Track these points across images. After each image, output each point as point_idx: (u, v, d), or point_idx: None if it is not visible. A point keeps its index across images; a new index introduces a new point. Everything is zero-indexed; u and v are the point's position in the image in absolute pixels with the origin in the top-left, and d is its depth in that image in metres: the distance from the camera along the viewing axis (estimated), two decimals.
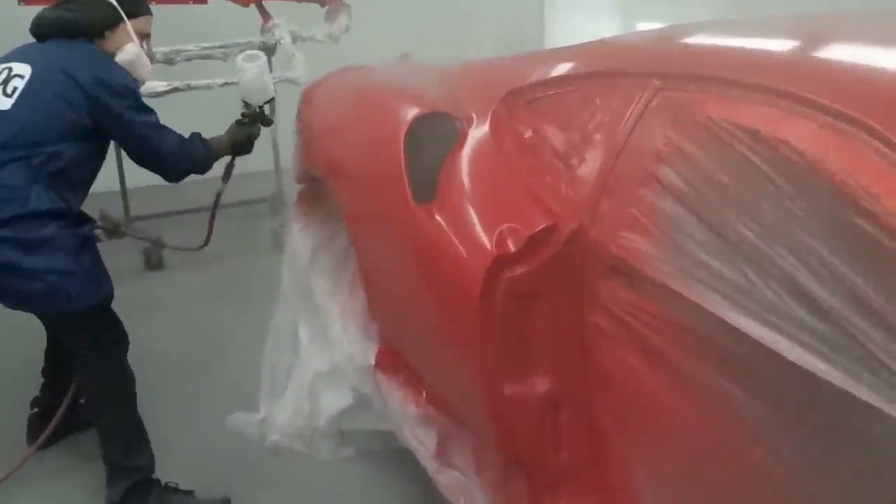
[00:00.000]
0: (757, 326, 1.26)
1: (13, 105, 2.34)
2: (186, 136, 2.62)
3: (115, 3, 2.53)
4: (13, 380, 3.10)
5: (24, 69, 2.40)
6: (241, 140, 2.81)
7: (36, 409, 2.84)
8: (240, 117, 2.83)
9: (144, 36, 2.65)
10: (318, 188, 2.86)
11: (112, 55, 2.52)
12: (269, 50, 4.66)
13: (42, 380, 2.84)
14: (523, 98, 2.02)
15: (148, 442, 2.53)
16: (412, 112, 2.19)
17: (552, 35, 6.22)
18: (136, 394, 2.53)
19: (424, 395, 2.17)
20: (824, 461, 1.20)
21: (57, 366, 2.78)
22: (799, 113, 1.32)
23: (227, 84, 4.23)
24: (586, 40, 2.20)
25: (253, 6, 4.77)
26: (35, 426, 2.80)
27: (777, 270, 1.25)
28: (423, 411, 2.17)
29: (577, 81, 1.90)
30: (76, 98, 2.34)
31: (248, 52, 2.86)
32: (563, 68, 2.01)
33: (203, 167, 2.67)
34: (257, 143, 4.69)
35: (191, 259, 4.24)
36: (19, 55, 2.46)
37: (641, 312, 1.50)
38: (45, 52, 2.46)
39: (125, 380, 2.52)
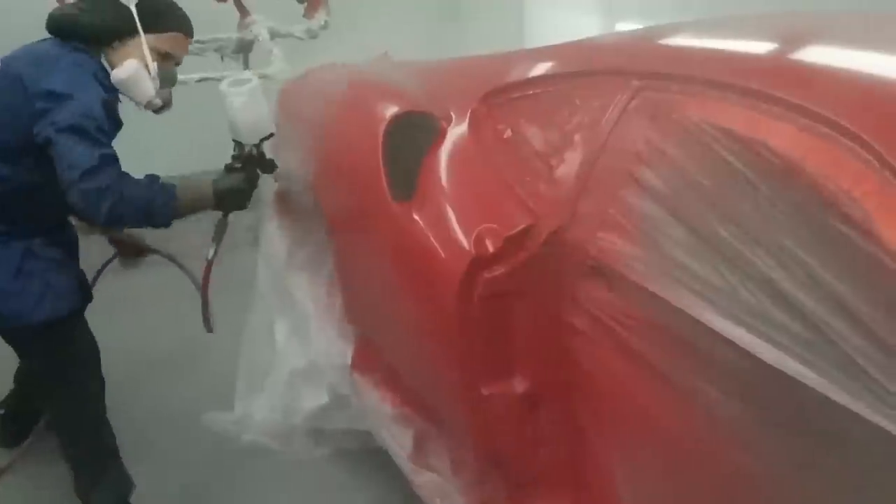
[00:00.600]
0: (734, 328, 1.27)
1: None
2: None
3: (133, 9, 2.20)
4: None
5: None
6: (227, 190, 2.26)
7: (3, 411, 2.79)
8: (229, 161, 2.33)
9: (164, 56, 2.27)
10: (295, 185, 2.85)
11: (111, 67, 2.20)
12: (247, 46, 4.63)
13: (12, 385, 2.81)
14: (503, 97, 2.02)
15: (117, 469, 2.40)
16: (391, 110, 2.19)
17: (531, 34, 6.21)
18: (103, 417, 2.40)
19: (401, 395, 2.17)
20: (800, 462, 1.20)
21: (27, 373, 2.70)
22: (778, 115, 1.32)
23: (203, 80, 4.19)
24: (565, 39, 2.20)
25: (230, 1, 4.73)
26: (6, 427, 2.77)
27: (755, 272, 1.26)
28: (399, 412, 2.17)
29: (557, 81, 1.91)
30: (23, 111, 2.05)
31: (235, 76, 2.37)
32: (543, 68, 2.02)
33: (150, 217, 2.11)
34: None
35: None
36: (10, 55, 2.22)
37: (620, 313, 1.51)
38: (24, 52, 2.21)
39: (86, 404, 2.36)
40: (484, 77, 2.15)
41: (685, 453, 1.41)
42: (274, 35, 4.69)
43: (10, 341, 2.34)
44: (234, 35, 4.63)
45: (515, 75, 2.06)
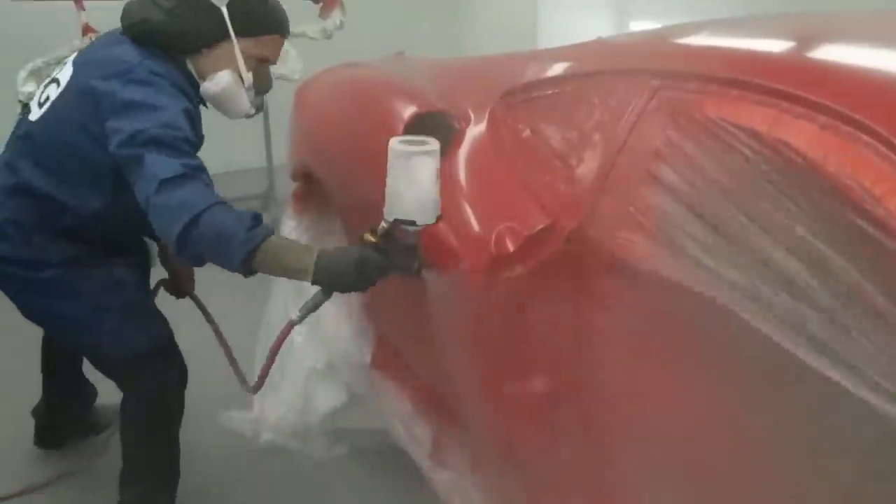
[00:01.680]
0: (756, 324, 1.27)
1: (37, 120, 2.02)
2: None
3: (225, 12, 1.97)
4: (14, 382, 3.07)
5: (65, 73, 2.01)
6: (332, 271, 1.72)
7: (41, 415, 2.78)
8: (368, 235, 1.76)
9: (262, 60, 2.09)
10: (312, 185, 2.86)
11: (202, 78, 2.02)
12: None
13: (43, 378, 2.80)
14: (521, 96, 2.03)
15: (170, 492, 2.35)
16: (409, 110, 2.20)
17: (545, 33, 6.22)
18: (176, 440, 2.37)
19: (420, 394, 2.18)
20: (824, 459, 1.21)
21: (56, 362, 2.70)
22: (799, 114, 1.33)
23: None
24: (579, 38, 2.21)
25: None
26: (43, 430, 2.78)
27: (777, 270, 1.26)
28: (418, 410, 2.18)
29: (576, 80, 1.91)
30: (92, 128, 1.89)
31: (410, 136, 1.81)
32: (561, 67, 2.02)
33: (224, 253, 1.71)
34: (250, 140, 4.46)
35: None
36: (86, 50, 2.08)
37: (640, 311, 1.52)
38: (98, 54, 2.02)
39: (163, 428, 2.33)
40: (502, 76, 2.16)
41: (707, 451, 1.42)
42: (289, 35, 4.70)
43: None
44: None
45: (534, 75, 2.06)
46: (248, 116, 2.16)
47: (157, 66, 1.92)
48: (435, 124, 2.13)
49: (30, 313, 2.19)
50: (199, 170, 1.80)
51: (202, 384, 3.07)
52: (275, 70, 4.57)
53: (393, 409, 2.26)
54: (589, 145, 1.74)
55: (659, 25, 5.35)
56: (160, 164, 1.74)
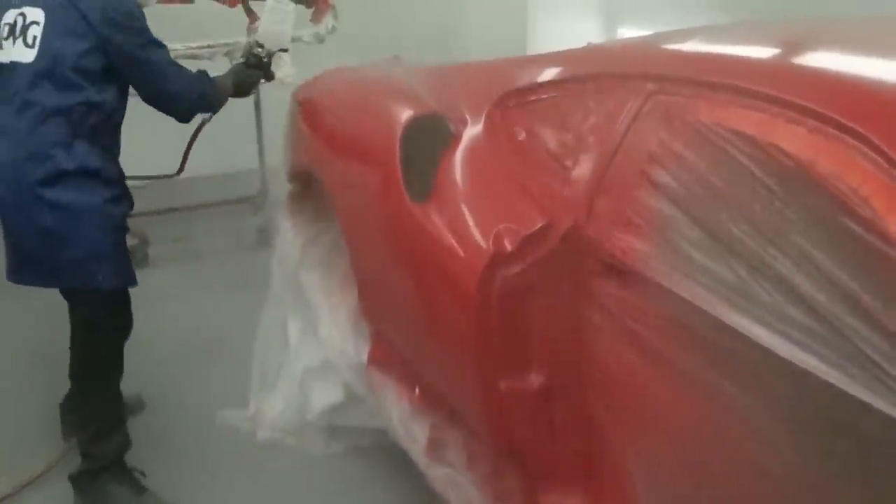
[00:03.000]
0: (748, 323, 1.30)
1: (36, 56, 2.28)
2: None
3: None
4: (42, 372, 3.09)
5: (36, 14, 2.31)
6: (243, 79, 2.75)
7: (68, 407, 2.83)
8: (245, 59, 2.79)
9: None
10: (308, 187, 2.88)
11: None
12: None
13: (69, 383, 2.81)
14: (517, 100, 2.05)
15: (118, 432, 2.52)
16: (407, 113, 2.23)
17: (534, 39, 6.25)
18: (118, 386, 2.55)
19: (417, 390, 2.19)
20: (815, 455, 1.24)
21: None
22: (789, 118, 1.36)
23: None
24: (568, 44, 2.24)
25: (239, 6, 4.76)
26: (66, 417, 2.81)
27: (768, 269, 1.29)
28: (415, 407, 2.19)
29: (571, 85, 1.94)
30: (89, 36, 2.28)
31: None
32: (556, 72, 2.05)
33: (210, 106, 2.64)
34: (242, 141, 4.68)
35: (177, 255, 4.25)
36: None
37: (635, 309, 1.54)
38: None
39: (113, 369, 2.53)
40: (498, 81, 2.18)
41: (699, 445, 1.44)
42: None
43: (75, 297, 2.49)
44: (244, 39, 4.66)
45: (529, 79, 2.08)
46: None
47: None
48: (432, 127, 2.16)
49: (42, 231, 2.32)
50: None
51: (199, 383, 3.10)
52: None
53: (390, 406, 2.26)
54: (584, 147, 1.77)
55: (647, 31, 5.38)
56: (162, 56, 2.43)
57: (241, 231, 4.76)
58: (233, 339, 2.95)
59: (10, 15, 2.34)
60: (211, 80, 2.58)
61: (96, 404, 2.52)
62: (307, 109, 2.89)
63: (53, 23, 2.29)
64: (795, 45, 1.72)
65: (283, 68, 4.66)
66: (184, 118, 2.57)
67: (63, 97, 2.28)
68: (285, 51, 2.82)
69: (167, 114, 2.52)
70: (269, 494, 2.58)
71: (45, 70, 2.27)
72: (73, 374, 2.57)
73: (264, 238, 4.39)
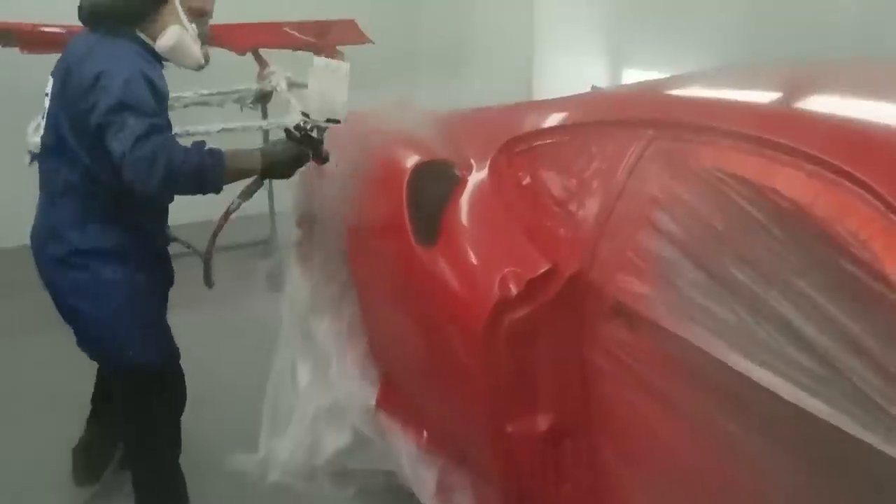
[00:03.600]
0: (750, 365, 1.31)
1: (45, 128, 2.27)
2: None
3: None
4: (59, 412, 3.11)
5: (49, 84, 2.28)
6: (280, 158, 2.23)
7: (81, 453, 2.84)
8: (290, 129, 2.28)
9: (198, 13, 2.27)
10: (318, 231, 2.90)
11: (154, 41, 2.22)
12: (266, 97, 4.72)
13: (91, 406, 2.87)
14: (522, 146, 2.09)
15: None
16: (414, 159, 2.26)
17: (541, 80, 6.31)
18: (177, 465, 2.57)
19: (425, 434, 2.20)
20: (819, 495, 1.25)
21: (105, 395, 2.79)
22: (787, 162, 1.39)
23: (224, 130, 4.29)
24: (573, 84, 2.27)
25: (249, 53, 4.84)
26: (80, 462, 2.82)
27: (769, 311, 1.31)
28: (424, 450, 2.19)
29: (574, 130, 1.97)
30: (81, 103, 2.11)
31: (328, 59, 2.32)
32: (559, 118, 2.08)
33: (202, 182, 2.10)
34: None
35: (186, 299, 4.27)
36: (60, 60, 2.28)
37: (640, 352, 1.56)
38: (66, 54, 2.26)
39: (163, 450, 2.53)
40: (502, 126, 2.22)
41: (704, 485, 1.45)
42: (291, 85, 4.77)
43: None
44: (254, 86, 4.72)
45: (533, 125, 2.12)
46: (200, 67, 2.37)
47: (111, 44, 2.17)
48: (439, 172, 2.19)
49: (67, 307, 2.34)
50: (161, 128, 2.09)
51: (209, 427, 3.09)
52: (276, 120, 4.66)
53: (399, 449, 2.27)
54: (588, 192, 1.80)
55: (650, 72, 5.45)
56: (129, 126, 2.01)
57: (251, 275, 4.77)
58: (243, 382, 2.95)
59: (48, 85, 2.33)
60: (206, 156, 2.11)
61: (145, 479, 2.53)
62: None
63: (56, 91, 2.24)
64: (793, 89, 1.75)
65: (293, 114, 4.72)
66: (141, 191, 2.05)
67: (68, 171, 2.22)
68: (337, 122, 2.28)
69: (130, 185, 2.06)
70: None
71: (52, 142, 2.25)
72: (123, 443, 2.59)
73: (274, 282, 4.40)
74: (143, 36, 2.24)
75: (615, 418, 1.65)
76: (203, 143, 2.18)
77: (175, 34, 2.21)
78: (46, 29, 4.29)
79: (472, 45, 6.85)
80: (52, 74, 2.30)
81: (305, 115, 2.25)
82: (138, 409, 2.46)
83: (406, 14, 6.23)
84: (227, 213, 2.44)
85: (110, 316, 2.30)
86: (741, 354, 1.34)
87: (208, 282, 2.65)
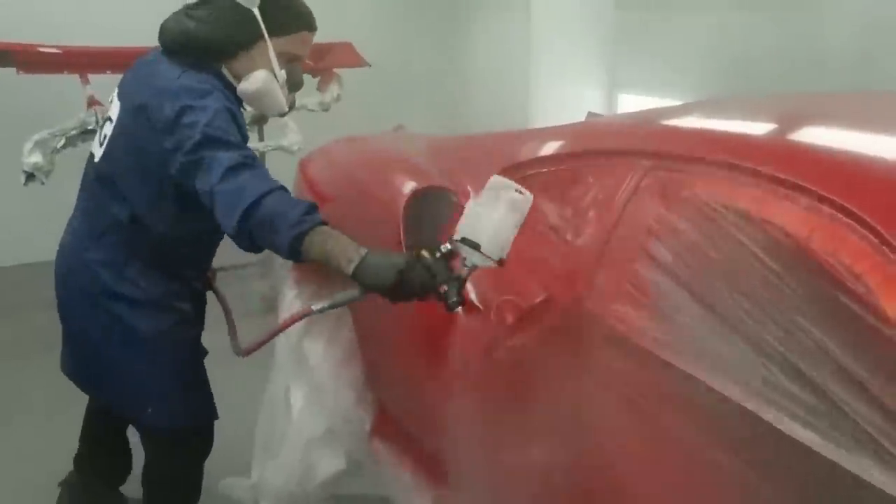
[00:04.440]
0: (745, 396, 1.31)
1: (101, 156, 2.12)
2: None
3: (257, 14, 1.99)
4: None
5: (114, 109, 2.11)
6: (378, 268, 1.71)
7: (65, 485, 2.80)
8: (425, 251, 1.73)
9: (292, 58, 2.11)
10: None
11: (237, 80, 2.05)
12: (262, 118, 4.73)
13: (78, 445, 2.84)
14: (518, 174, 2.08)
15: None
16: (410, 185, 2.27)
17: (536, 106, 6.35)
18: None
19: (421, 461, 2.19)
20: None
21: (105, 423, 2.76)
22: (783, 195, 1.40)
23: None
24: (569, 109, 2.29)
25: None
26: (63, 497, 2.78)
27: (764, 343, 1.32)
28: (417, 478, 2.19)
29: (571, 160, 1.98)
30: (152, 147, 1.94)
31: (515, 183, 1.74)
32: (556, 146, 2.09)
33: (274, 235, 1.77)
34: None
35: None
36: (123, 84, 2.14)
37: (634, 381, 1.56)
38: (138, 77, 2.09)
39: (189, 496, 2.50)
40: (499, 154, 2.23)
41: None
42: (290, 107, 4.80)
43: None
44: (250, 108, 4.74)
45: (530, 153, 2.13)
46: (283, 114, 2.22)
47: (195, 78, 1.99)
48: (435, 199, 2.20)
49: (89, 365, 2.27)
50: (255, 159, 1.91)
51: None
52: (274, 142, 4.68)
53: (392, 477, 2.26)
54: (584, 222, 1.81)
55: (645, 97, 5.48)
56: (220, 158, 1.82)
57: (247, 297, 4.77)
58: (236, 405, 2.94)
59: (109, 107, 2.18)
60: (307, 215, 1.78)
61: None
62: (313, 179, 2.93)
63: (123, 122, 2.08)
64: (788, 121, 1.76)
65: (289, 136, 4.76)
66: (232, 229, 1.82)
67: (119, 209, 2.09)
68: (495, 262, 1.69)
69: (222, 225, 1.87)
70: None
71: (108, 174, 2.11)
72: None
73: (268, 304, 4.40)
74: (226, 73, 2.08)
75: (611, 448, 1.65)
76: (313, 204, 1.85)
77: (261, 78, 2.03)
78: (44, 49, 4.30)
79: (469, 70, 6.90)
80: (119, 97, 2.13)
81: (455, 239, 1.71)
82: (165, 465, 2.42)
83: (403, 39, 6.28)
84: (304, 314, 1.97)
85: (146, 372, 2.20)
86: (736, 385, 1.34)
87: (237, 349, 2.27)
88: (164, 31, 2.08)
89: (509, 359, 1.75)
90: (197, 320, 2.38)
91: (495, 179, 1.74)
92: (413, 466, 2.21)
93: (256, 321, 3.59)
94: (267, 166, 4.82)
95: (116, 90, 2.17)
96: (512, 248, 1.71)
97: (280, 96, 2.09)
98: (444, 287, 1.67)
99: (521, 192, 1.70)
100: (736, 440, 1.34)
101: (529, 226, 1.95)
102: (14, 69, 4.40)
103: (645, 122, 2.09)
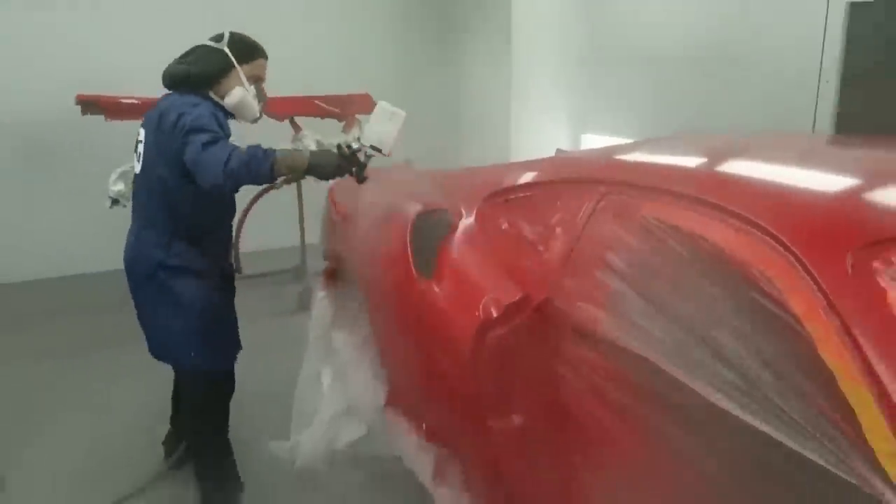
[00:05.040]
0: (682, 375, 1.32)
1: (141, 168, 2.34)
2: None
3: (228, 52, 2.33)
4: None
5: (142, 133, 2.37)
6: (323, 163, 2.18)
7: (170, 444, 2.88)
8: (341, 145, 2.25)
9: (256, 79, 2.40)
10: (339, 263, 2.91)
11: (222, 99, 2.33)
12: (298, 177, 4.75)
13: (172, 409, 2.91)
14: (501, 198, 2.11)
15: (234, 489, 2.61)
16: (416, 207, 2.27)
17: (517, 143, 6.37)
18: (222, 435, 2.60)
19: (424, 428, 2.19)
20: (736, 479, 1.25)
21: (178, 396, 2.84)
22: (712, 215, 1.41)
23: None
24: (543, 145, 2.29)
25: (286, 121, 4.88)
26: (171, 445, 2.86)
27: (696, 331, 1.33)
28: (422, 440, 2.18)
29: (542, 187, 1.99)
30: (169, 141, 2.20)
31: (392, 106, 2.26)
32: (530, 176, 2.10)
33: (256, 171, 2.07)
34: (286, 221, 4.62)
35: None
36: (145, 118, 2.39)
37: (595, 364, 1.56)
38: (154, 110, 2.33)
39: (215, 424, 2.59)
40: (486, 183, 2.24)
41: (645, 471, 1.44)
42: (319, 145, 4.80)
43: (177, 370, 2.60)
44: (290, 145, 4.74)
45: (510, 181, 2.14)
46: (256, 121, 2.44)
47: (191, 99, 2.27)
48: (436, 218, 2.21)
49: (151, 317, 2.41)
50: (224, 138, 2.16)
51: (250, 422, 3.08)
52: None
53: (403, 440, 2.26)
54: (553, 236, 1.82)
55: (605, 135, 5.48)
56: (200, 137, 2.11)
57: (283, 298, 4.79)
58: (277, 385, 2.94)
59: (137, 137, 2.42)
60: (258, 154, 2.10)
61: (203, 453, 2.58)
62: (338, 202, 2.94)
63: (148, 139, 2.31)
64: (718, 155, 1.78)
65: None
66: (212, 184, 2.08)
67: (158, 202, 2.29)
68: (380, 151, 2.25)
69: (205, 187, 2.12)
70: None
71: (145, 179, 2.32)
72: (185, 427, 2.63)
73: (303, 303, 4.41)
74: (213, 95, 2.35)
75: (575, 417, 1.65)
76: (258, 145, 2.14)
77: (239, 94, 2.32)
78: (125, 100, 4.33)
79: (462, 113, 6.93)
80: (143, 126, 2.37)
81: (357, 139, 2.27)
82: (201, 400, 2.51)
83: (411, 93, 6.30)
84: (263, 192, 2.58)
85: (190, 327, 2.34)
86: (675, 366, 1.35)
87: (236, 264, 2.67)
88: (166, 76, 2.36)
89: (493, 345, 1.75)
90: (227, 288, 2.54)
91: (381, 104, 2.25)
92: (419, 431, 2.20)
93: (291, 318, 3.62)
94: (302, 192, 4.87)
95: (141, 125, 2.41)
96: (493, 255, 1.90)
97: (254, 106, 2.39)
98: (355, 168, 2.22)
99: (396, 112, 2.24)
100: (676, 410, 1.35)
101: (510, 239, 1.97)
102: (102, 116, 4.44)
103: (602, 157, 2.10)
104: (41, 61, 5.19)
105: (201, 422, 2.55)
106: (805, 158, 1.74)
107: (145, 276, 2.33)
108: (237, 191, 2.27)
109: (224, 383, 2.57)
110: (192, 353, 2.37)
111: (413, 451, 2.18)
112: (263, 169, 2.09)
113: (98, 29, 5.33)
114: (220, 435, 2.59)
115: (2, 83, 5.12)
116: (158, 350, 2.46)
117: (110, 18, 5.37)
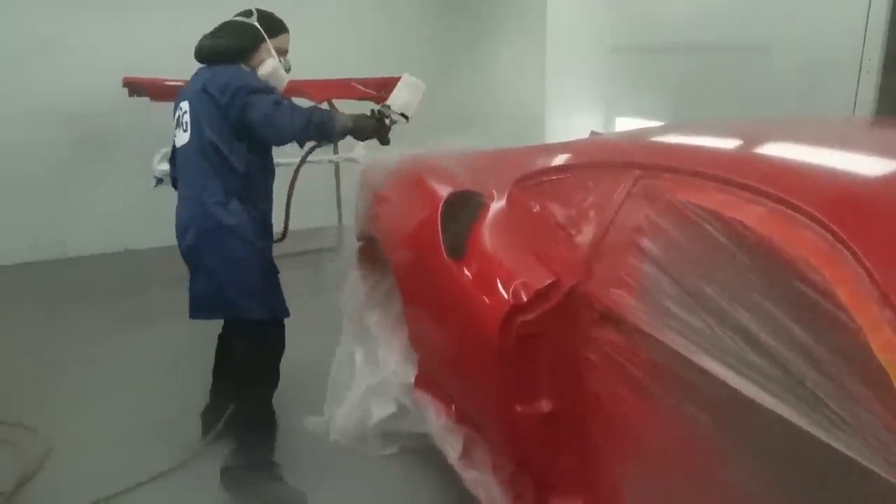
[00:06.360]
0: (716, 365, 1.24)
1: (189, 137, 2.34)
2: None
3: (258, 26, 2.42)
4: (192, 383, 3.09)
5: (185, 105, 2.38)
6: (363, 125, 2.43)
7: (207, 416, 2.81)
8: (374, 110, 2.49)
9: (283, 52, 2.49)
10: (372, 244, 2.85)
11: (254, 70, 2.41)
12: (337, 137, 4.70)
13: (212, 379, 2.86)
14: (533, 181, 2.02)
15: (271, 444, 2.55)
16: (447, 189, 2.20)
17: (551, 126, 6.25)
18: (270, 398, 2.57)
19: (453, 409, 2.14)
20: (766, 474, 1.17)
21: (222, 369, 2.81)
22: (750, 199, 1.31)
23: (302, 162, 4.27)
24: (577, 129, 2.20)
25: (325, 104, 4.84)
26: (207, 420, 2.79)
27: (732, 320, 1.24)
28: (451, 422, 2.13)
29: (575, 170, 1.90)
30: (216, 111, 2.26)
31: (415, 78, 2.52)
32: (563, 159, 2.02)
33: (321, 133, 2.32)
34: (324, 203, 4.64)
35: None
36: (182, 94, 2.43)
37: (625, 351, 1.49)
38: (193, 82, 2.40)
39: (268, 383, 2.56)
40: (518, 165, 2.16)
41: (672, 461, 1.38)
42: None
43: (232, 326, 2.58)
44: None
45: (542, 165, 2.05)
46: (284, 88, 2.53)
47: (236, 68, 2.36)
48: (467, 200, 2.13)
49: (207, 292, 2.38)
50: (285, 99, 2.29)
51: (286, 397, 3.05)
52: (344, 155, 4.62)
53: (431, 420, 2.21)
54: (585, 220, 1.73)
55: (637, 119, 5.34)
56: (267, 97, 2.24)
57: (321, 277, 4.75)
58: (313, 362, 2.91)
59: (177, 111, 2.43)
60: (322, 112, 2.32)
61: (246, 406, 2.53)
62: (371, 184, 2.87)
63: (194, 107, 2.33)
64: (756, 139, 1.67)
65: (357, 150, 4.70)
66: (291, 136, 2.29)
67: (213, 165, 2.30)
68: (406, 117, 2.50)
69: (276, 142, 2.33)
70: (338, 481, 2.52)
71: (197, 146, 2.32)
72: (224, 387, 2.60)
73: (339, 282, 4.37)
74: (245, 67, 2.41)
75: (603, 403, 1.58)
76: (315, 106, 2.39)
77: (272, 64, 2.42)
78: (169, 83, 4.32)
79: (496, 96, 6.80)
80: (184, 99, 2.39)
81: (387, 106, 2.48)
82: (252, 350, 2.47)
83: (447, 76, 6.19)
84: (310, 150, 2.57)
85: (246, 278, 2.35)
86: (708, 355, 1.26)
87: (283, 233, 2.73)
88: (202, 50, 2.41)
89: (523, 330, 1.67)
90: (270, 244, 2.54)
91: (406, 76, 2.50)
92: (448, 412, 2.15)
93: (328, 297, 3.56)
94: (339, 170, 4.82)
95: (180, 100, 2.43)
96: (524, 239, 1.86)
97: (284, 76, 2.49)
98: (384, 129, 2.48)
99: (418, 83, 2.51)
100: (704, 398, 1.27)
101: (541, 223, 1.88)
102: (148, 98, 4.43)
103: (636, 139, 2.00)
104: (88, 56, 5.20)
105: (254, 379, 2.50)
106: (845, 141, 1.62)
107: (206, 233, 2.32)
108: (302, 146, 2.45)
109: (279, 337, 2.54)
110: (256, 304, 2.37)
111: (441, 431, 2.14)
112: (332, 126, 2.31)
113: (142, 23, 5.32)
114: (268, 397, 2.56)
115: (56, 83, 5.16)
116: (215, 305, 2.40)
117: (153, 12, 5.35)
